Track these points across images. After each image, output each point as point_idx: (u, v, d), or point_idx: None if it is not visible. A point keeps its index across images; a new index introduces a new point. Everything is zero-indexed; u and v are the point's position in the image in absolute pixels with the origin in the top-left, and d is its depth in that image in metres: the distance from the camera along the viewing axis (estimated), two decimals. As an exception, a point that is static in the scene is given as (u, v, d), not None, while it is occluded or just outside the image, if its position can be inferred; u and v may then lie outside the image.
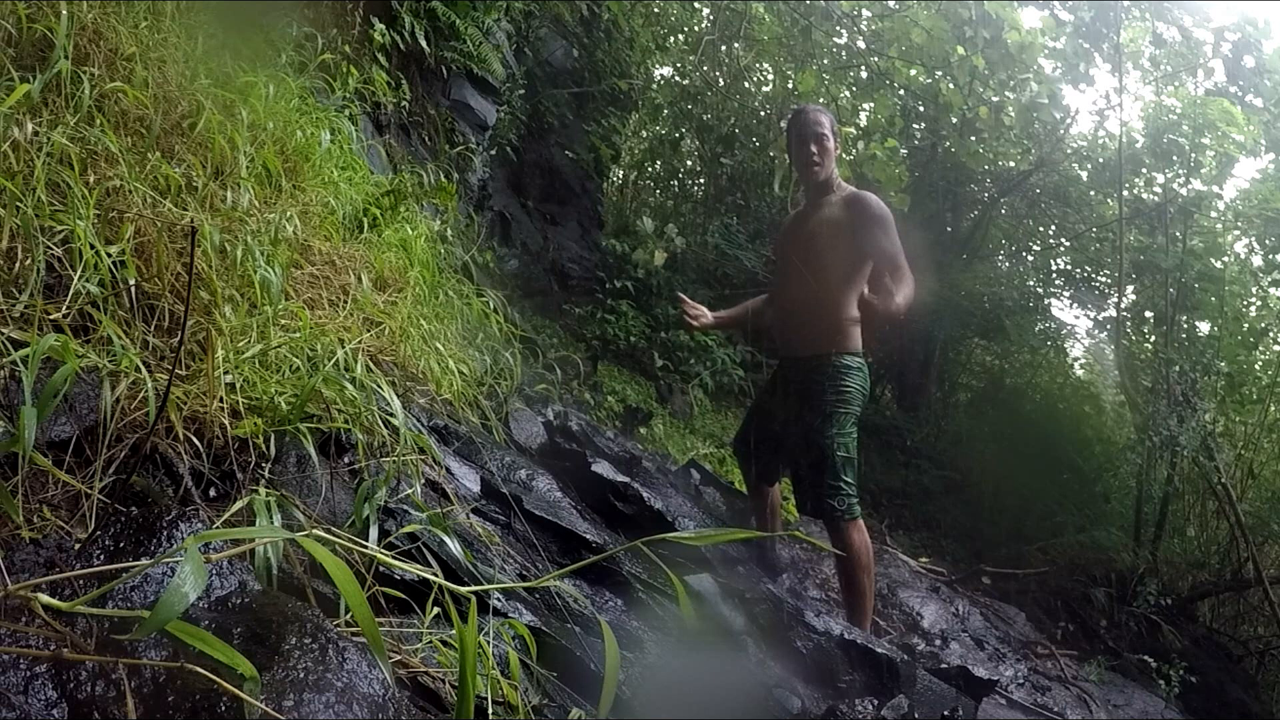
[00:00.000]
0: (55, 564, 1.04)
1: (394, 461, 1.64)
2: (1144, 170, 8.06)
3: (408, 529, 1.45)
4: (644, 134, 10.70)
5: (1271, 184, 7.51)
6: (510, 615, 1.45)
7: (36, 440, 1.11)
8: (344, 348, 1.67)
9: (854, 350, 3.00)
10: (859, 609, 2.90)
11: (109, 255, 1.40)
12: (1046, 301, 9.03)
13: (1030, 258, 9.46)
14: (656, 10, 9.50)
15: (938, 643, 3.78)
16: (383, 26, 3.68)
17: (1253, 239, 7.81)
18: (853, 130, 7.74)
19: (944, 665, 3.02)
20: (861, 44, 8.45)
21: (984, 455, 7.58)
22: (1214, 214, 7.88)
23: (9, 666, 0.84)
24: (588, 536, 2.13)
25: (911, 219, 6.97)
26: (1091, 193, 8.81)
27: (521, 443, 3.00)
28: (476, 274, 3.54)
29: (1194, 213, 7.26)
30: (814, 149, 3.04)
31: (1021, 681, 3.70)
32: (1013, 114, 7.26)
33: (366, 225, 2.46)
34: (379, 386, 1.66)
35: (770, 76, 10.00)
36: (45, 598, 0.88)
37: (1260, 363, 7.80)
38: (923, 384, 8.88)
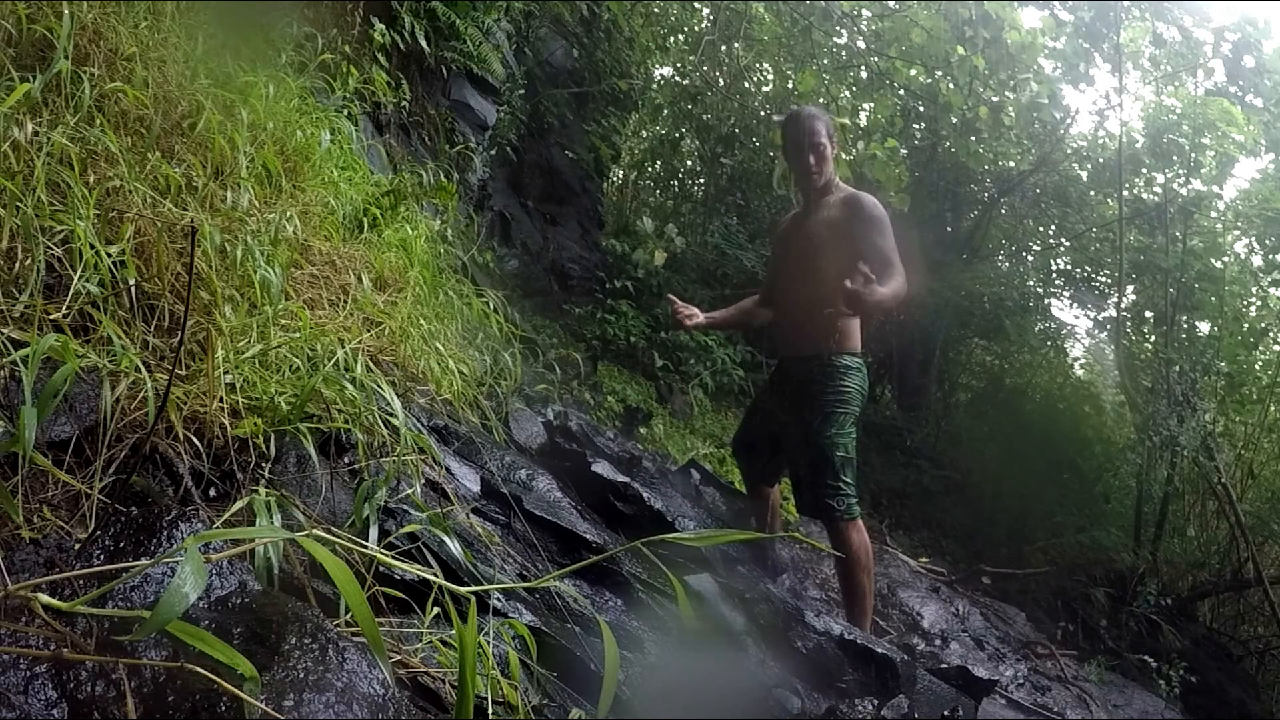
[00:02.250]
0: (55, 564, 1.04)
1: (394, 461, 1.64)
2: (1144, 170, 8.07)
3: (408, 529, 1.45)
4: (644, 134, 10.69)
5: (1271, 184, 7.52)
6: (510, 615, 1.45)
7: (36, 440, 1.11)
8: (344, 348, 1.67)
9: (853, 350, 3.00)
10: (859, 609, 2.90)
11: (109, 255, 1.40)
12: (1046, 301, 9.04)
13: (1030, 258, 9.47)
14: (656, 10, 9.50)
15: (938, 643, 3.78)
16: (383, 26, 3.68)
17: (1253, 239, 7.82)
18: (849, 124, 7.71)
19: (944, 665, 3.02)
20: (861, 44, 8.44)
21: (984, 455, 7.59)
22: (1214, 214, 7.89)
23: (9, 666, 0.84)
24: (588, 536, 2.13)
25: (911, 219, 6.96)
26: (1091, 193, 8.81)
27: (521, 443, 3.00)
28: (476, 274, 3.54)
29: (1194, 213, 7.27)
30: (811, 159, 3.04)
31: (1021, 681, 3.70)
32: (1013, 114, 7.26)
33: (366, 225, 2.46)
34: (379, 386, 1.66)
35: (770, 76, 10.00)
36: (45, 598, 0.87)
37: (1260, 363, 7.81)
38: (923, 384, 8.88)
